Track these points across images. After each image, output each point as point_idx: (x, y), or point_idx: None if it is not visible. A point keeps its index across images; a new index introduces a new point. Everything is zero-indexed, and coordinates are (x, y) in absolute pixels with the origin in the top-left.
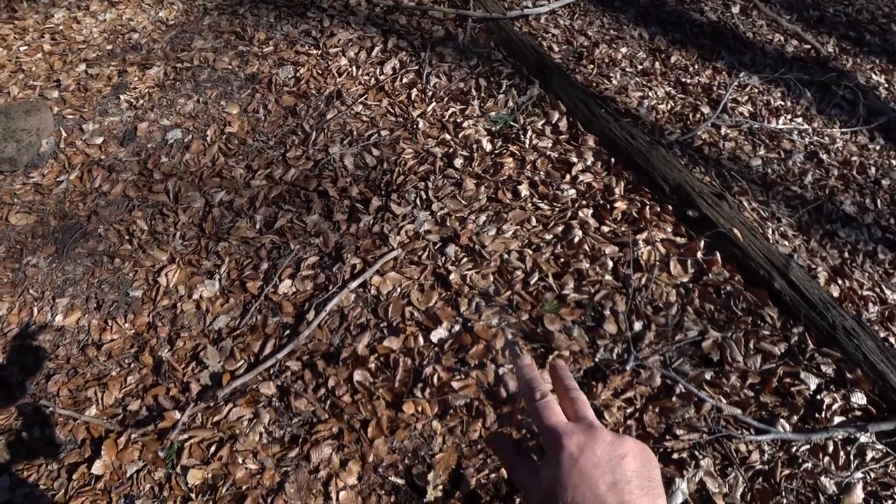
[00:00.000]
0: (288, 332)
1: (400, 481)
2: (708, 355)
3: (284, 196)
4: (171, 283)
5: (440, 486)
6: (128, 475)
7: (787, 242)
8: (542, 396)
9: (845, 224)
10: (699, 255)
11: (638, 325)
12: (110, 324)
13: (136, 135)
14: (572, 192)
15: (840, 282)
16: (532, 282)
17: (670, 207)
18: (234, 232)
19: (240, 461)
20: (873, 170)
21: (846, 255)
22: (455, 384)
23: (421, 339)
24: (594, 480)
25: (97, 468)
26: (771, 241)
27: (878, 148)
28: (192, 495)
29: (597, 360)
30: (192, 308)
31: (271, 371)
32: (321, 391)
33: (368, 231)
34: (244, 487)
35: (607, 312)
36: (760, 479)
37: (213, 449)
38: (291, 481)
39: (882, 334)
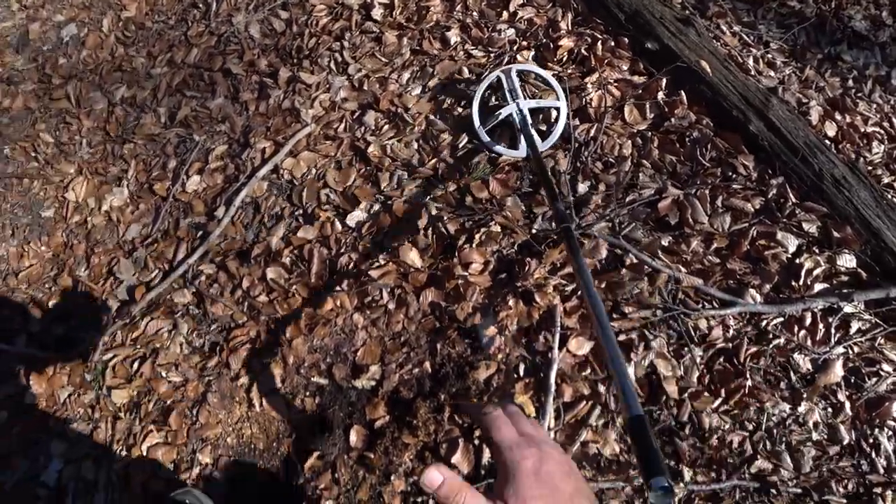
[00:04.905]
0: (200, 233)
1: (323, 381)
2: (665, 217)
3: (188, 82)
4: (80, 196)
5: (370, 377)
6: (61, 401)
7: (773, 73)
8: (490, 412)
9: (853, 45)
10: (660, 96)
11: (583, 187)
12: (27, 249)
13: (29, 38)
14: (510, 31)
15: (838, 117)
16: (461, 145)
17: (626, 41)
18: (138, 130)
19: (162, 375)
20: None
21: (850, 83)
22: (373, 272)
23: (338, 225)
24: (559, 490)
25: (30, 398)
26: (752, 73)
27: None
28: (121, 414)
29: (533, 231)
30: (103, 221)
31: (186, 278)
32: (237, 293)
33: (279, 108)
34: (169, 402)
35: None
36: (722, 359)
37: (135, 366)
38: (214, 391)
39: (886, 179)
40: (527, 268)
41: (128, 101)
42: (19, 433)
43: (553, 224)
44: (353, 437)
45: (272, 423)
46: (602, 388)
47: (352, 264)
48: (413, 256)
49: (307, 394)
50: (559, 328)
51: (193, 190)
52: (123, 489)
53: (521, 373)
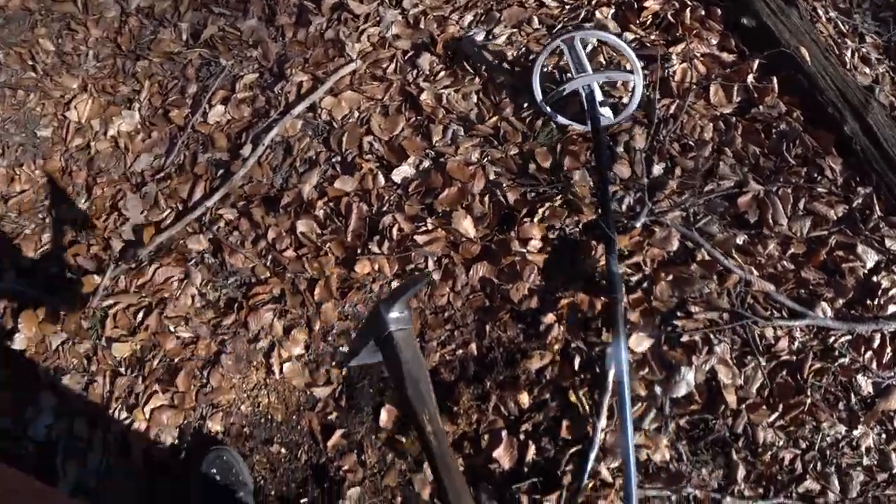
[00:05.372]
0: (221, 171)
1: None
2: (744, 214)
3: None
4: (84, 116)
5: None
6: (53, 348)
7: (867, 70)
8: None
9: None
10: (750, 79)
11: (658, 169)
12: (18, 172)
13: None
14: None
15: None
16: (526, 104)
17: (719, 12)
18: (155, 47)
19: (170, 329)
20: None
21: None
22: (419, 237)
23: (381, 179)
24: None
25: (18, 342)
26: (848, 67)
27: None
28: (122, 370)
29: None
30: (108, 147)
31: (202, 221)
32: (261, 244)
33: (320, 38)
34: (176, 360)
35: (620, 149)
36: (784, 373)
37: (139, 317)
38: (229, 352)
39: None
40: (592, 252)
41: (144, 11)
42: (5, 381)
43: (623, 207)
44: (384, 417)
45: (292, 394)
46: (658, 390)
47: (395, 226)
48: (466, 225)
49: (334, 364)
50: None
51: (216, 121)
52: (121, 453)
53: (577, 366)
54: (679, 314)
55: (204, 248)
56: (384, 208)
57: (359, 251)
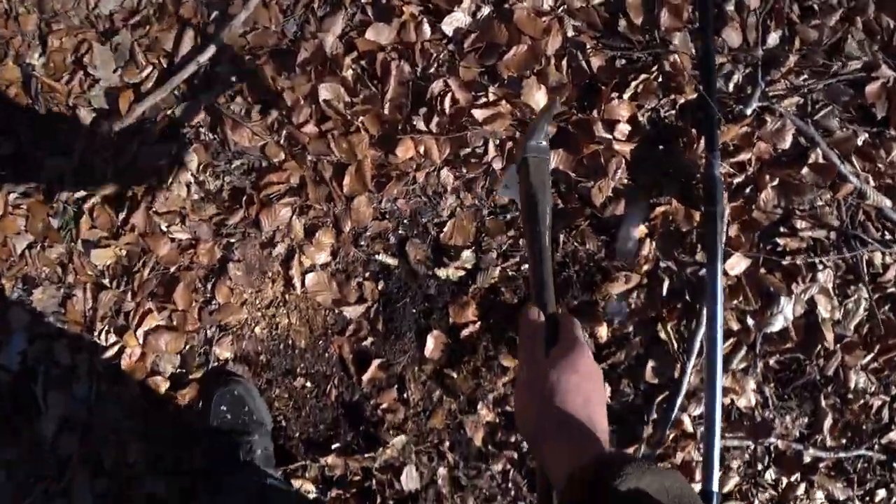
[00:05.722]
0: (215, 14)
1: (392, 261)
2: (871, 106)
3: None
4: None
5: (459, 266)
6: (17, 253)
7: None
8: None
9: None
10: None
11: (774, 38)
12: None
13: None
14: None
15: None
16: None
17: None
18: None
19: (162, 229)
20: None
21: None
22: (478, 112)
23: (427, 30)
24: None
25: None
26: None
27: None
28: (105, 281)
29: (700, 89)
30: None
31: (193, 84)
32: (272, 116)
33: None
34: (172, 269)
35: (730, 8)
36: (888, 308)
37: (122, 213)
38: (237, 259)
39: None
40: (693, 145)
41: None
42: None
43: (729, 86)
44: (430, 346)
45: (318, 313)
46: (751, 323)
47: (447, 95)
48: (539, 98)
49: (368, 276)
50: (721, 237)
51: None
52: (113, 381)
53: (665, 292)
54: (782, 230)
55: (199, 120)
56: (432, 70)
57: (400, 128)
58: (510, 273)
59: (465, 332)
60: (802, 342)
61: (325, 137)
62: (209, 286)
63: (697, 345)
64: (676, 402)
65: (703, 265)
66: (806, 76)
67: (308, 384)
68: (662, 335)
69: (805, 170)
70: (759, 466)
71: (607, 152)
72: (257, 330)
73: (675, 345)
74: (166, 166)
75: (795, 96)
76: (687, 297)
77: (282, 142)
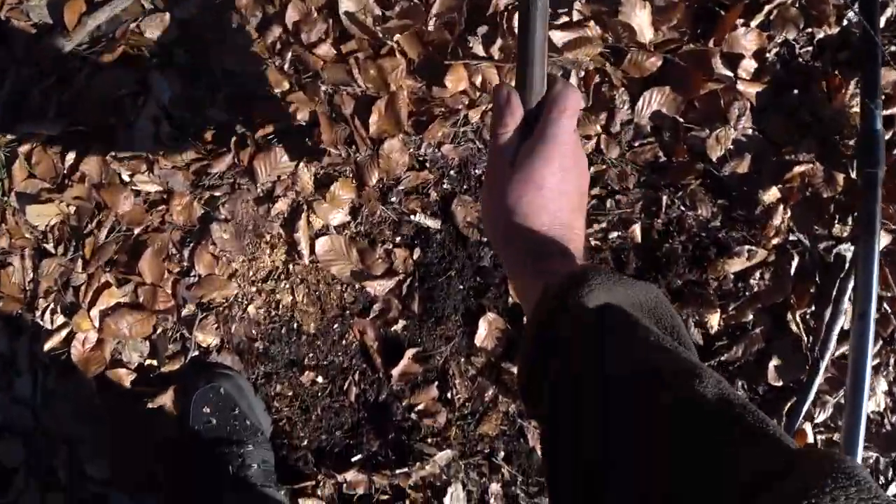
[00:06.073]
0: None
1: (432, 223)
2: None
3: None
4: None
5: None
6: None
7: None
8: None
9: None
10: None
11: None
12: None
13: None
14: None
15: None
16: None
17: None
18: None
19: (123, 179)
20: None
21: None
22: (556, 33)
23: None
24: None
25: None
26: None
27: None
28: (49, 246)
29: (861, 19)
30: None
31: None
32: (273, 34)
33: None
34: (137, 231)
35: None
36: None
37: (70, 157)
38: (222, 218)
39: None
40: (841, 90)
41: None
42: None
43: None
44: (482, 332)
45: (332, 289)
46: (889, 311)
47: (516, 10)
48: (641, 18)
49: (399, 241)
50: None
51: None
52: (63, 375)
53: (793, 271)
54: None
55: (172, 36)
56: None
57: (449, 51)
58: (593, 242)
59: None
60: None
61: (345, 62)
62: (186, 253)
63: (835, 338)
64: (802, 408)
65: (842, 241)
66: None
67: (319, 379)
68: (793, 326)
69: None
70: (882, 480)
71: (728, 93)
72: (251, 310)
73: (806, 338)
74: (128, 97)
75: None
76: (817, 279)
77: (285, 66)
